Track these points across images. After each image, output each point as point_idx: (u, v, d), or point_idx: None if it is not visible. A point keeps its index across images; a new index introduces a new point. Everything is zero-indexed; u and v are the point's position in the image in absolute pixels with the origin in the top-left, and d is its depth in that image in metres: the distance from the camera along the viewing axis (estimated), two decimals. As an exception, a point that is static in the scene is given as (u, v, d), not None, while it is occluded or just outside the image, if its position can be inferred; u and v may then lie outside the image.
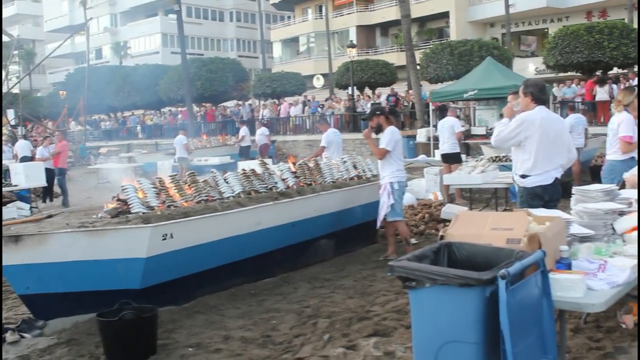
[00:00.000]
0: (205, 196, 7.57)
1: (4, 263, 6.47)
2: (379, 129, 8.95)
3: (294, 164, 9.34)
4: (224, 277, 7.55)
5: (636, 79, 24.15)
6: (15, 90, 51.28)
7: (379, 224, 9.13)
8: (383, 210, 8.77)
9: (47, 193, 18.25)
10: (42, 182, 16.91)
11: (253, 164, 9.53)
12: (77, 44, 73.57)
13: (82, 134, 43.94)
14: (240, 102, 41.35)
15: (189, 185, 7.64)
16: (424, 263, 3.63)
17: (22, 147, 21.22)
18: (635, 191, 5.20)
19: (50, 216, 7.63)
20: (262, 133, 25.93)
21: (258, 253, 7.90)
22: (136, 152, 31.03)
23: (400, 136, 9.14)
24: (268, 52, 59.81)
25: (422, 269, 3.44)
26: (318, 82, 48.88)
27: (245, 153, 24.76)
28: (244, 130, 26.24)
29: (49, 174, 17.62)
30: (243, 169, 8.47)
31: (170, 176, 7.71)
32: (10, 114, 46.82)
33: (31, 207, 16.27)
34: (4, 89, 41.57)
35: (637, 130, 7.47)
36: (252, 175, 8.30)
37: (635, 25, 27.76)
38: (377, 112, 8.97)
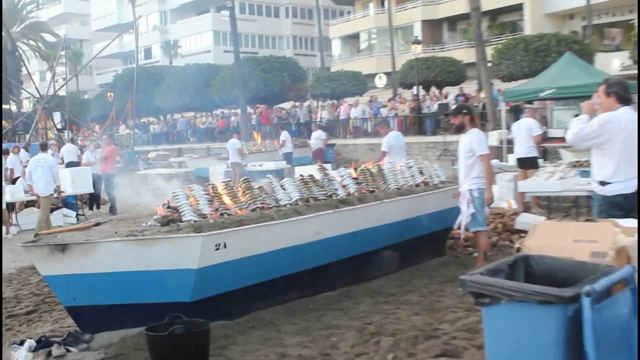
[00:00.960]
0: (261, 204, 7.63)
1: (50, 273, 6.68)
2: (460, 129, 8.86)
3: (356, 169, 9.34)
4: (281, 290, 7.59)
5: None
6: (62, 93, 52.83)
7: (462, 235, 9.08)
8: (464, 221, 8.67)
9: (94, 200, 18.74)
10: (89, 189, 17.41)
11: (312, 170, 9.57)
12: (126, 44, 75.48)
13: (130, 137, 44.97)
14: (297, 104, 41.64)
15: (244, 192, 7.72)
16: (499, 277, 3.56)
17: (69, 151, 21.84)
18: None
19: (97, 224, 7.81)
20: (318, 137, 26.05)
21: (317, 265, 7.92)
22: (187, 156, 31.62)
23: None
24: (326, 49, 60.05)
25: (496, 284, 3.38)
26: (380, 81, 48.80)
27: (287, 160, 24.66)
28: (284, 135, 25.90)
29: (96, 180, 18.10)
30: (301, 175, 8.51)
31: (224, 182, 7.81)
32: (56, 117, 48.21)
33: (78, 215, 16.78)
34: (51, 91, 42.84)
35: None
36: (310, 182, 8.34)
37: None
38: (464, 111, 8.87)
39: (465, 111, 8.82)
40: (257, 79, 42.22)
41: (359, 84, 41.81)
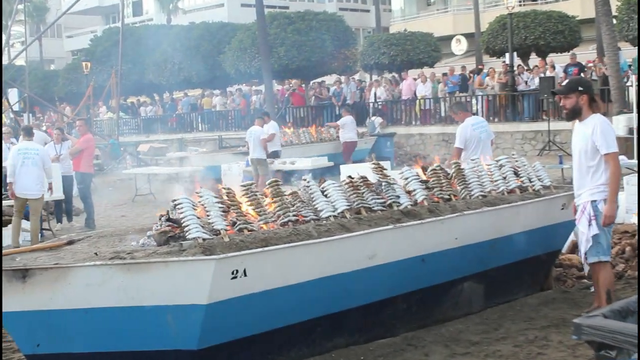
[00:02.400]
0: (294, 216, 7.67)
1: (6, 309, 6.78)
2: (575, 114, 8.49)
3: (425, 169, 9.31)
4: (321, 335, 7.63)
5: None
6: (20, 62, 53.54)
7: (586, 268, 8.88)
8: (583, 246, 8.42)
9: (62, 208, 18.95)
10: (57, 193, 17.62)
11: (363, 168, 9.59)
12: (107, -5, 76.63)
13: (114, 123, 45.50)
14: (342, 78, 41.71)
15: (271, 200, 7.75)
16: (629, 322, 3.54)
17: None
18: None
19: (70, 242, 7.91)
20: (345, 124, 26.21)
21: (370, 301, 7.92)
22: (191, 150, 31.87)
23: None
24: (384, 3, 60.11)
25: (625, 331, 3.36)
26: (459, 46, 48.70)
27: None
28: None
29: (66, 181, 18.30)
30: (349, 176, 8.52)
31: (243, 186, 7.85)
32: (12, 96, 48.74)
33: (42, 229, 16.99)
34: (4, 60, 43.70)
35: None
36: (362, 186, 8.34)
37: None
38: (580, 88, 8.41)
39: (581, 89, 8.48)
40: (287, 44, 42.31)
41: (430, 50, 41.70)
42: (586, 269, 8.93)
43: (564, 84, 9.38)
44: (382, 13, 54.35)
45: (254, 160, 22.51)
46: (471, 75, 36.19)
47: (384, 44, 41.70)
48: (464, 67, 37.90)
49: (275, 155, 23.72)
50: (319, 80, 43.89)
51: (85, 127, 19.35)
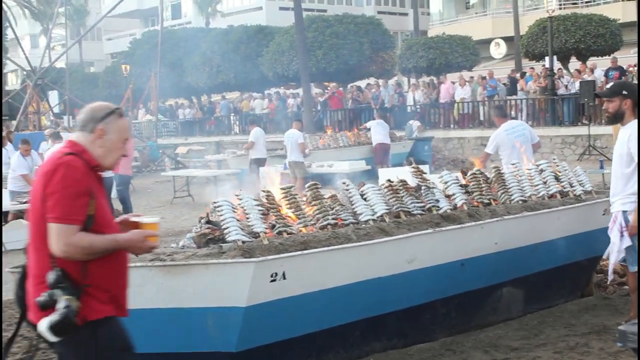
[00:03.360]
0: (333, 219, 7.67)
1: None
2: (616, 118, 8.24)
3: (465, 173, 9.28)
4: (359, 339, 7.63)
5: None
6: (61, 64, 53.90)
7: (610, 276, 8.75)
8: (613, 256, 8.26)
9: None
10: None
11: (403, 172, 9.57)
12: (147, -2, 77.10)
13: (153, 126, 45.75)
14: (380, 81, 41.68)
15: (310, 203, 7.76)
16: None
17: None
18: None
19: (110, 243, 7.96)
20: (375, 127, 26.24)
21: (409, 305, 7.90)
22: (229, 152, 31.93)
23: None
24: (422, 5, 59.94)
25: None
26: (498, 49, 48.46)
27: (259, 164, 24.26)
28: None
29: (105, 183, 18.45)
30: (388, 180, 8.51)
31: (283, 189, 7.86)
32: (53, 98, 49.10)
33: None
34: (45, 62, 44.00)
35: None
36: (402, 189, 8.33)
37: None
38: (624, 92, 8.15)
39: (625, 92, 8.14)
40: (325, 47, 42.35)
41: (468, 53, 41.53)
42: (610, 277, 8.76)
43: (607, 86, 9.11)
44: (420, 16, 54.20)
45: (292, 163, 22.56)
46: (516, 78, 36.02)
47: (422, 48, 41.59)
48: (513, 70, 37.73)
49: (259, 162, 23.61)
50: (357, 83, 43.84)
51: None
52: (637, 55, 34.47)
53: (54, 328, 4.31)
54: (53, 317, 4.32)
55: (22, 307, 4.82)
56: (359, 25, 43.86)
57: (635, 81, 30.45)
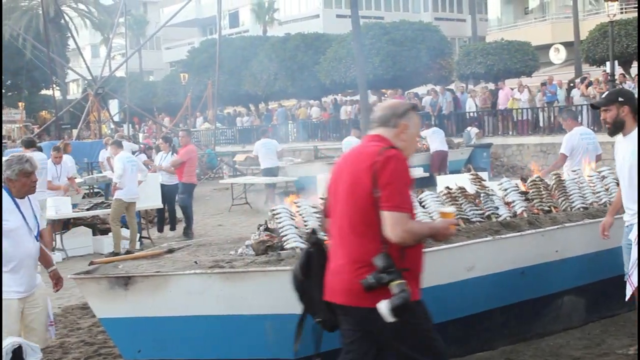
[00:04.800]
0: (391, 226, 7.66)
1: (109, 315, 6.99)
2: (616, 128, 7.68)
3: (524, 180, 9.21)
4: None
5: None
6: (120, 73, 54.53)
7: (628, 291, 8.28)
8: (632, 273, 7.79)
9: (163, 217, 19.24)
10: (156, 203, 17.97)
11: (462, 180, 9.52)
12: (204, 7, 77.73)
13: (211, 134, 46.06)
14: (437, 88, 41.51)
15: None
16: None
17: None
18: None
19: (170, 250, 8.06)
20: (434, 134, 26.18)
21: (468, 313, 7.85)
22: (287, 160, 32.05)
23: None
24: (480, 11, 59.63)
25: None
26: (557, 55, 48.01)
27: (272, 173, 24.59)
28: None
29: (169, 191, 18.64)
30: (447, 187, 8.49)
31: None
32: (113, 107, 49.73)
33: (142, 237, 17.35)
34: (106, 72, 44.58)
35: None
36: (460, 196, 8.30)
37: None
38: (621, 99, 7.64)
39: (622, 100, 7.64)
40: (382, 54, 42.31)
41: (527, 59, 41.16)
42: (628, 292, 8.23)
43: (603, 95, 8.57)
44: (478, 22, 53.86)
45: (349, 170, 22.52)
46: (572, 85, 35.64)
47: (480, 54, 41.34)
48: (586, 76, 37.39)
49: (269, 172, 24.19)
50: (414, 90, 43.73)
51: (187, 137, 19.53)
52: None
53: (395, 310, 4.80)
54: (394, 300, 4.81)
55: (302, 290, 5.55)
56: (416, 31, 43.75)
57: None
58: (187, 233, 18.20)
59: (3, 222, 6.73)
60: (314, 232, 5.70)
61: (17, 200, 6.91)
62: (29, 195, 7.08)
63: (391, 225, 4.93)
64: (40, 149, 17.83)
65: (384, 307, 4.84)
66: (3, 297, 6.76)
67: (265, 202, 23.89)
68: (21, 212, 6.89)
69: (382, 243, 4.99)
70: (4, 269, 6.78)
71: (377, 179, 4.97)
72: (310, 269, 5.42)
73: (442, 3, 71.15)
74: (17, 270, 6.81)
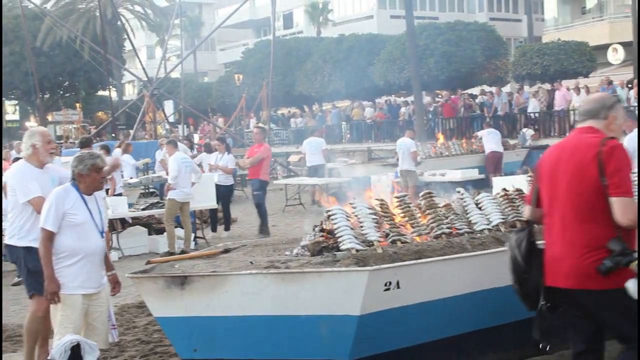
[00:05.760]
0: (448, 228, 7.62)
1: (166, 314, 7.05)
2: None
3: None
4: (474, 350, 7.57)
5: None
6: (176, 75, 54.88)
7: None
8: None
9: (217, 217, 19.33)
10: (211, 203, 18.08)
11: (519, 181, 9.44)
12: (259, 8, 78.00)
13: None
14: (491, 89, 41.20)
15: (424, 212, 7.72)
16: None
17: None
18: None
19: (226, 250, 8.10)
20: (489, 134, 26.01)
21: (526, 317, 7.75)
22: (340, 161, 32.05)
23: None
24: (536, 11, 59.09)
25: None
26: (615, 55, 47.36)
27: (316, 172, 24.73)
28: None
29: (225, 191, 18.74)
30: (504, 189, 8.41)
31: (398, 197, 7.85)
32: (168, 107, 50.04)
33: (196, 237, 17.46)
34: (161, 73, 44.93)
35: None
36: (517, 199, 8.22)
37: None
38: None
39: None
40: (437, 55, 42.14)
41: (584, 59, 40.70)
42: None
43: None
44: (534, 22, 53.35)
45: (403, 171, 22.49)
46: (629, 86, 35.12)
47: (536, 54, 40.96)
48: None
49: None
50: (469, 91, 43.47)
51: (262, 135, 19.39)
52: None
53: None
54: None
55: (525, 278, 5.91)
56: (471, 32, 43.53)
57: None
58: (264, 230, 18.15)
59: (71, 217, 6.94)
60: (529, 222, 6.13)
61: (85, 196, 7.05)
62: (96, 194, 7.22)
63: (622, 210, 5.23)
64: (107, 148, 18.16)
65: (632, 286, 5.16)
66: (68, 292, 6.91)
67: (313, 202, 23.98)
68: (88, 208, 7.05)
69: (613, 228, 5.29)
70: (68, 262, 6.96)
71: (604, 168, 5.27)
72: (532, 257, 5.78)
73: (497, 3, 70.62)
74: (83, 265, 6.98)
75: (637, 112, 28.51)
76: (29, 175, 8.01)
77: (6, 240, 8.29)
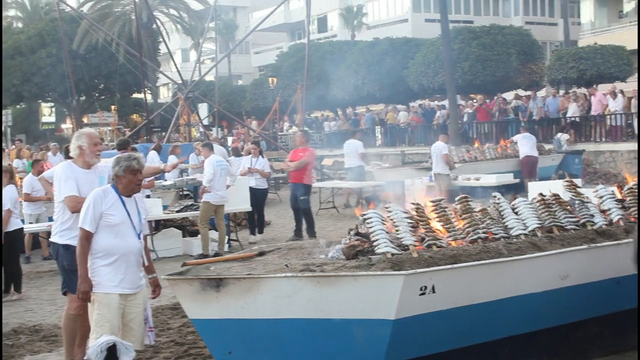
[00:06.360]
0: (484, 233, 7.60)
1: (201, 316, 7.09)
2: None
3: (621, 187, 9.05)
4: (508, 356, 7.54)
5: None
6: (210, 78, 55.05)
7: None
8: None
9: (254, 222, 19.37)
10: (245, 206, 18.15)
11: (555, 186, 9.41)
12: (293, 12, 78.14)
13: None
14: (527, 93, 40.99)
15: (460, 216, 7.71)
16: None
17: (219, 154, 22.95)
18: None
19: (261, 253, 8.13)
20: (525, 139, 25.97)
21: (561, 323, 7.75)
22: (374, 164, 32.07)
23: None
24: (572, 15, 58.77)
25: None
26: (652, 59, 46.96)
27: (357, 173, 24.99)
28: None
29: (260, 194, 18.82)
30: (540, 194, 8.38)
31: (434, 201, 7.85)
32: (202, 110, 50.25)
33: (230, 240, 17.53)
34: (196, 76, 45.12)
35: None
36: (554, 204, 8.19)
37: None
38: None
39: None
40: (472, 59, 41.99)
41: (621, 64, 40.41)
42: None
43: None
44: (570, 26, 53.11)
45: (437, 175, 22.47)
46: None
47: (572, 58, 40.69)
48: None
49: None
50: (504, 95, 43.26)
51: (305, 139, 19.11)
52: None
53: None
54: None
55: None
56: (506, 36, 43.31)
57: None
58: (311, 233, 18.09)
59: (108, 217, 7.07)
60: None
61: (123, 197, 7.15)
62: (136, 196, 7.32)
63: None
64: (135, 150, 18.26)
65: None
66: (104, 291, 6.99)
67: (346, 206, 24.01)
68: (126, 209, 7.15)
69: None
70: (105, 262, 7.07)
71: None
72: None
73: (533, 7, 70.23)
74: (119, 265, 7.07)
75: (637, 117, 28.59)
76: (68, 175, 8.19)
77: (50, 237, 8.51)
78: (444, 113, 41.56)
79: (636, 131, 32.42)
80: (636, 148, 30.63)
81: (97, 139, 8.51)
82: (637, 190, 8.99)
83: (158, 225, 17.87)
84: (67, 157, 9.18)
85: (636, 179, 9.78)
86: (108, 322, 6.94)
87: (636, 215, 8.65)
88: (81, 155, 8.27)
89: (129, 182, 7.14)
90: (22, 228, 13.71)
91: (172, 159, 22.17)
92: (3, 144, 45.96)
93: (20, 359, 9.24)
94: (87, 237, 7.07)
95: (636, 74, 42.56)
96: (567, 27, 51.06)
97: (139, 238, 7.20)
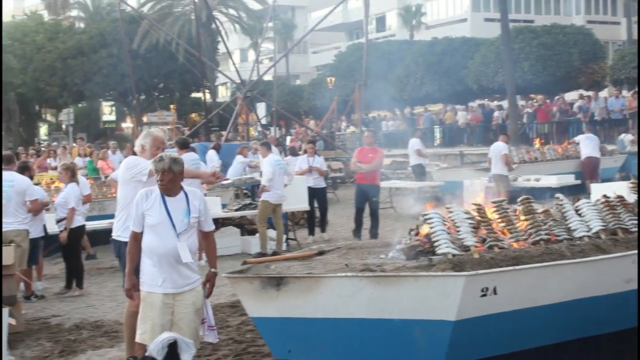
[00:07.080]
0: (546, 234, 7.53)
1: (261, 314, 7.13)
2: None
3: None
4: (570, 358, 7.45)
5: None
6: (268, 77, 55.22)
7: None
8: None
9: (314, 221, 19.38)
10: (303, 205, 18.19)
11: (620, 188, 9.29)
12: (351, 11, 78.08)
13: (357, 138, 46.17)
14: (589, 93, 40.52)
15: (522, 218, 7.65)
16: None
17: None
18: None
19: (321, 252, 8.15)
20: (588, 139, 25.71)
21: (625, 327, 7.65)
22: (432, 164, 31.95)
23: None
24: (635, 14, 57.88)
25: None
26: None
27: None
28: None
29: (320, 194, 18.85)
30: (604, 195, 8.28)
31: (495, 202, 7.80)
32: (261, 109, 50.48)
33: (288, 239, 17.60)
34: (254, 75, 45.30)
35: None
36: (619, 205, 8.09)
37: None
38: None
39: None
40: (532, 59, 41.66)
41: (686, 63, 39.81)
42: None
43: None
44: (633, 25, 52.37)
45: (495, 175, 22.30)
46: None
47: (635, 57, 40.16)
48: None
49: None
50: (565, 95, 42.83)
51: (373, 139, 18.87)
52: None
53: None
54: None
55: None
56: (567, 35, 42.88)
57: None
58: (375, 234, 18.02)
59: (147, 217, 7.12)
60: None
61: (166, 197, 7.14)
62: (192, 194, 7.29)
63: None
64: (194, 150, 18.39)
65: None
66: (147, 290, 7.13)
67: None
68: (167, 209, 7.11)
69: None
70: (149, 261, 7.14)
71: None
72: None
73: (595, 5, 69.41)
74: (161, 265, 7.09)
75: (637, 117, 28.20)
76: None
77: (112, 234, 8.71)
78: (502, 113, 41.27)
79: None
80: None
81: (160, 142, 8.62)
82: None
83: (216, 224, 17.98)
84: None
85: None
86: (150, 320, 7.01)
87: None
88: (142, 153, 8.46)
89: (158, 181, 7.16)
90: (84, 225, 13.94)
91: (239, 159, 23.26)
92: (65, 142, 46.82)
93: (82, 354, 9.39)
94: (135, 237, 7.21)
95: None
96: (630, 26, 50.40)
97: (178, 238, 7.09)
